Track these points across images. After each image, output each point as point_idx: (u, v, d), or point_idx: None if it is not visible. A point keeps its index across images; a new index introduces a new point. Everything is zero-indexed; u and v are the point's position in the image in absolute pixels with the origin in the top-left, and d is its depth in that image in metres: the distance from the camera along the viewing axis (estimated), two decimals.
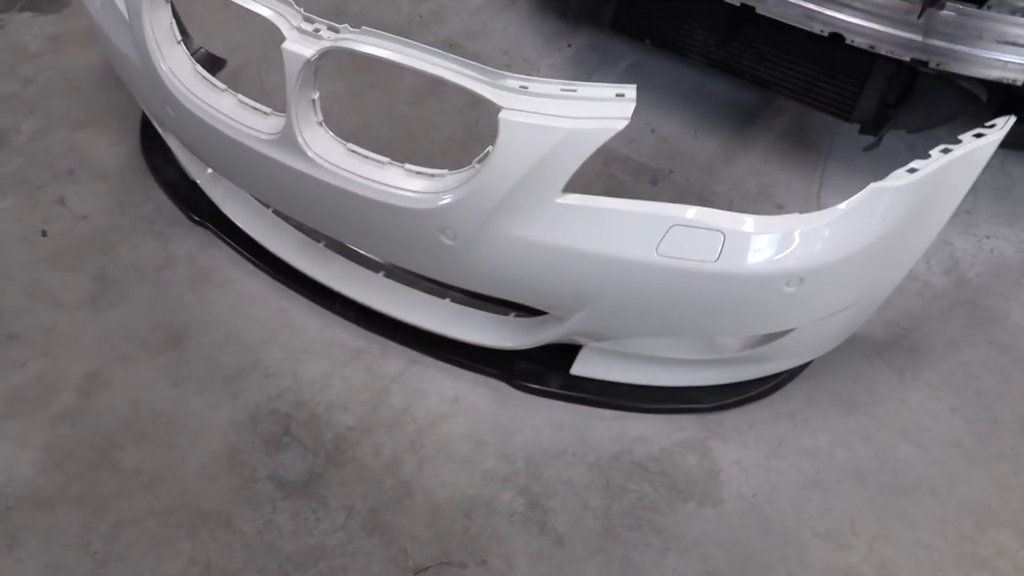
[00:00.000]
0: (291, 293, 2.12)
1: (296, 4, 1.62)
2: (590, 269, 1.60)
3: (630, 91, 1.49)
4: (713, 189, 2.42)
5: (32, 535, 1.70)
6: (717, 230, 1.52)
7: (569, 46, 2.85)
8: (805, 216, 1.54)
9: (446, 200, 1.59)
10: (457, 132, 2.56)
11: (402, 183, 1.64)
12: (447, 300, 2.01)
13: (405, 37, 1.53)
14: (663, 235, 1.53)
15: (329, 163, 1.68)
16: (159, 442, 1.84)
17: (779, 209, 2.36)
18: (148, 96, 2.00)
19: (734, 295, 1.60)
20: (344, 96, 2.59)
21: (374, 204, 1.66)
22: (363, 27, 1.57)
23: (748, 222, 1.53)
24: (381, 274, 2.06)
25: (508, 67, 2.75)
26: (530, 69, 2.75)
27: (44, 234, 2.24)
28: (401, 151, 2.41)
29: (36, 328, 2.03)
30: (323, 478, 1.80)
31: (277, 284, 2.14)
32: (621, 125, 1.45)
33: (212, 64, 2.67)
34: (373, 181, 1.65)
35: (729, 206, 2.36)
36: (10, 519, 1.72)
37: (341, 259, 2.09)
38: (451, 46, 2.82)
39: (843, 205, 1.52)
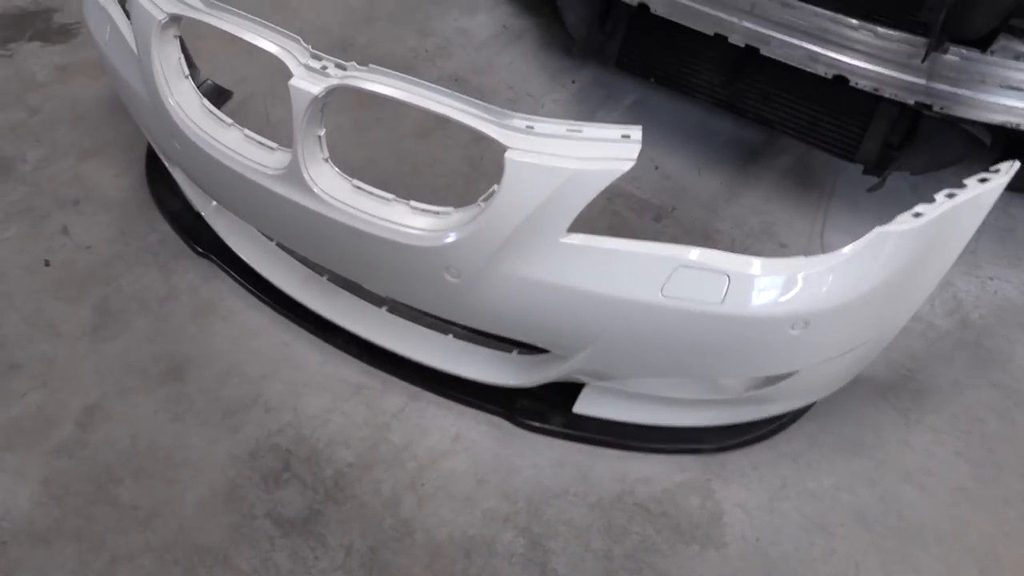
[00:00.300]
0: (293, 326, 2.12)
1: (303, 38, 1.63)
2: (594, 309, 1.59)
3: (636, 132, 1.49)
4: (716, 227, 2.42)
5: (27, 571, 1.68)
6: (722, 272, 1.51)
7: (573, 82, 2.87)
8: (810, 259, 1.53)
9: (451, 238, 1.59)
10: (461, 167, 2.57)
11: (407, 220, 1.64)
12: (450, 336, 2.00)
13: (410, 71, 1.54)
14: (668, 276, 1.52)
15: (334, 199, 1.68)
16: (157, 477, 1.83)
17: (782, 248, 2.36)
18: (155, 129, 2.01)
19: (739, 337, 1.59)
20: (349, 130, 2.61)
21: (378, 241, 1.66)
22: (370, 65, 1.58)
23: (754, 265, 1.52)
24: (384, 309, 2.06)
25: (513, 102, 2.76)
26: (535, 104, 2.76)
27: (47, 263, 2.24)
28: (406, 185, 2.45)
29: (37, 358, 2.02)
30: (322, 515, 1.78)
31: (279, 317, 2.14)
32: (627, 166, 1.45)
33: (218, 96, 2.69)
34: (378, 218, 1.65)
35: (732, 244, 2.37)
36: (6, 553, 1.70)
37: (344, 293, 2.09)
38: (456, 80, 2.84)
39: (848, 248, 1.52)
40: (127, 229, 2.33)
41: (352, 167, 1.73)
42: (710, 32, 2.09)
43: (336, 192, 1.69)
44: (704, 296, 1.53)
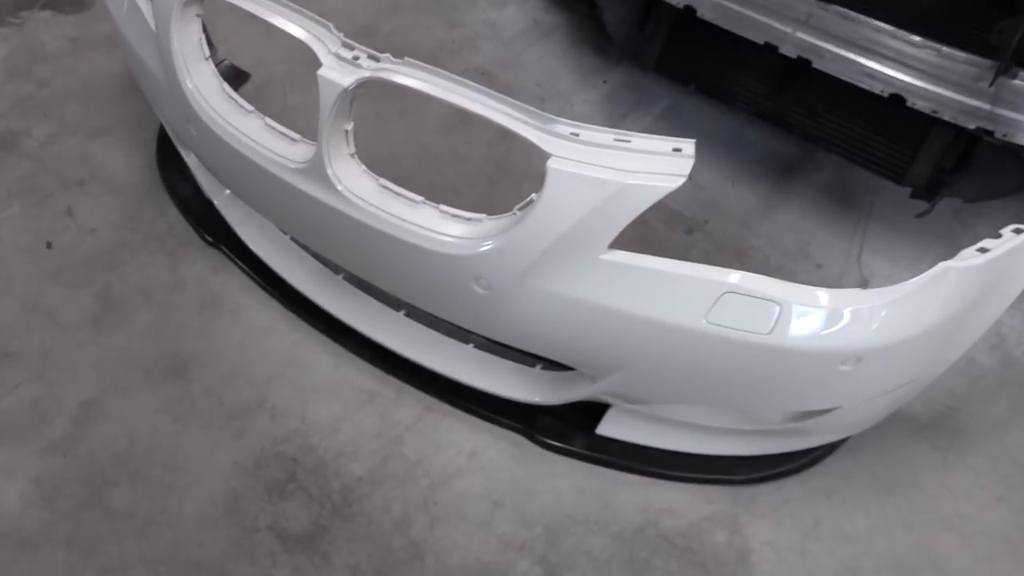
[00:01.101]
0: (304, 326, 2.01)
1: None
2: (632, 332, 1.49)
3: (688, 146, 1.38)
4: (750, 243, 2.31)
5: None
6: (773, 301, 1.41)
7: (605, 83, 2.75)
8: (868, 292, 1.43)
9: (483, 248, 1.49)
10: (486, 166, 2.46)
11: (437, 226, 1.54)
12: (470, 346, 1.90)
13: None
14: (714, 302, 1.42)
15: (358, 198, 1.58)
16: (154, 482, 1.73)
17: (818, 268, 2.26)
18: (169, 112, 1.90)
19: (785, 370, 1.49)
20: (371, 121, 2.49)
21: (404, 245, 1.56)
22: (406, 58, 1.48)
23: (807, 294, 1.42)
24: (402, 313, 1.95)
25: (542, 100, 2.66)
26: (564, 104, 2.65)
27: (49, 246, 2.13)
28: (427, 183, 2.34)
29: (33, 348, 1.92)
30: (328, 532, 1.68)
31: (290, 315, 2.03)
32: (678, 183, 1.35)
33: (236, 77, 2.58)
34: (405, 221, 1.55)
35: (766, 263, 2.26)
36: None
37: (360, 294, 1.98)
38: (483, 75, 2.73)
39: (909, 283, 1.42)
40: (134, 214, 2.22)
41: (372, 161, 1.62)
42: (760, 41, 1.98)
43: (361, 191, 1.59)
44: (751, 325, 1.42)
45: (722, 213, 2.39)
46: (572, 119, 1.41)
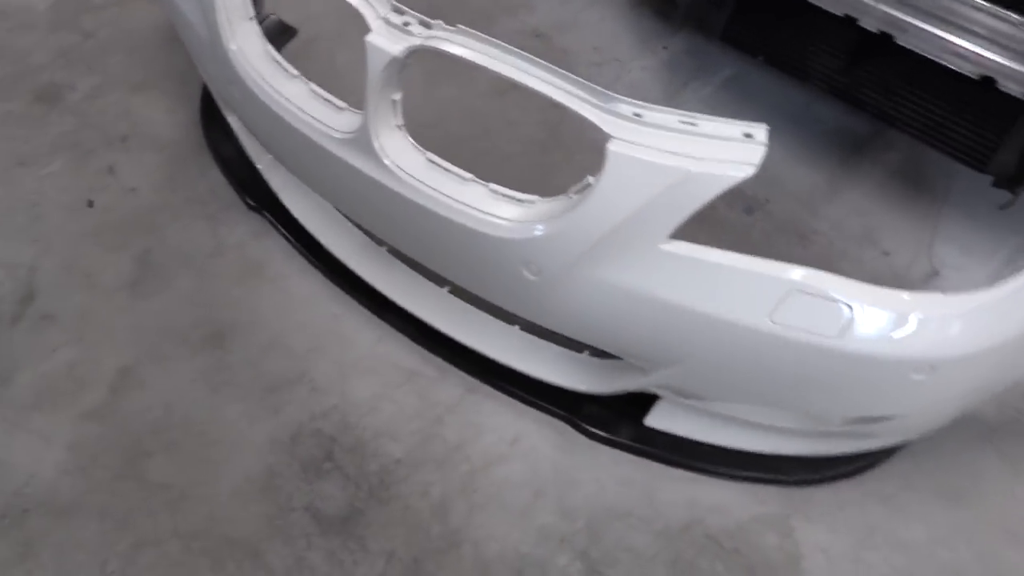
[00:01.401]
0: (346, 298, 1.96)
1: None
2: (689, 327, 1.40)
3: (760, 132, 1.28)
4: (812, 227, 2.19)
5: (46, 546, 1.56)
6: (843, 302, 1.31)
7: (665, 48, 2.62)
8: (946, 297, 1.33)
9: (535, 232, 1.41)
10: (537, 133, 2.36)
11: (486, 206, 1.46)
12: (516, 327, 1.83)
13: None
14: (780, 300, 1.32)
15: (405, 173, 1.50)
16: (190, 454, 1.69)
17: (885, 256, 2.14)
18: (212, 72, 1.83)
19: (851, 376, 1.39)
20: (420, 83, 2.40)
21: (451, 224, 1.48)
22: (459, 25, 1.39)
23: (880, 296, 1.32)
24: (446, 289, 1.88)
25: (598, 66, 2.53)
26: (621, 70, 2.53)
27: (90, 204, 2.09)
28: (477, 149, 2.25)
29: (72, 310, 1.89)
30: (364, 515, 1.64)
31: (331, 286, 1.98)
32: (748, 172, 1.25)
33: (282, 33, 2.48)
34: (452, 199, 1.47)
35: (830, 247, 2.15)
36: (26, 524, 1.59)
37: (404, 268, 1.91)
38: (538, 36, 2.61)
39: (995, 289, 1.31)
40: (176, 173, 2.17)
41: (420, 125, 1.55)
42: (839, 13, 1.84)
43: (408, 165, 1.51)
44: (819, 327, 1.33)
45: (785, 192, 2.27)
46: (629, 86, 1.32)
